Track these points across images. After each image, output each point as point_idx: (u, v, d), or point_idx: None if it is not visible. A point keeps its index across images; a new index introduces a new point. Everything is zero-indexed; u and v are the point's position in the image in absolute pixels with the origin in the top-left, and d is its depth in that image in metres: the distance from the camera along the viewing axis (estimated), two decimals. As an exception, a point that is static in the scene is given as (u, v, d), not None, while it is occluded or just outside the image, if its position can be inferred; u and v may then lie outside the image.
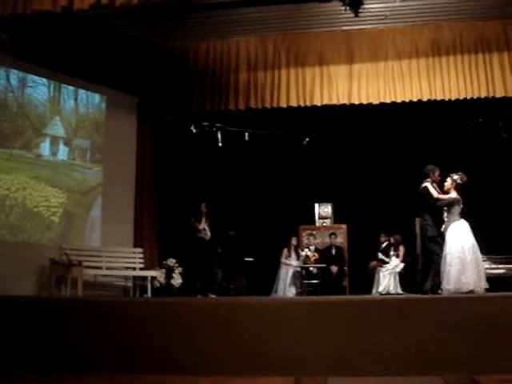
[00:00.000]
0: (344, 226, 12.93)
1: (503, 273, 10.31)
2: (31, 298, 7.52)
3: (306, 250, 12.13)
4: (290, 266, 12.09)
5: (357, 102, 11.04)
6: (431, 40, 10.79)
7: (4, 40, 9.59)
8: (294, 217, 12.78)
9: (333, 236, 12.54)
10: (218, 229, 11.67)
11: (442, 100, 10.81)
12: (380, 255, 11.60)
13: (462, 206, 8.35)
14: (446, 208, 8.37)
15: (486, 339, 4.79)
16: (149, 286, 10.78)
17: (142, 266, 11.08)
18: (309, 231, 12.86)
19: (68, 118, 10.99)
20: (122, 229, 11.30)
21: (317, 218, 13.29)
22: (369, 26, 10.81)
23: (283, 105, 11.22)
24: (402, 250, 11.56)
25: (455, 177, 8.42)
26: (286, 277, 12.02)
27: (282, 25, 10.86)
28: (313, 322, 5.11)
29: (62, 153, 10.85)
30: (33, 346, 5.37)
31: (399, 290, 11.14)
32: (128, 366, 5.15)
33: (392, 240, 11.67)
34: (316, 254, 12.02)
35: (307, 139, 12.91)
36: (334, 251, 12.35)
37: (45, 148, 10.60)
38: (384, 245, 11.79)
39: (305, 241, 12.68)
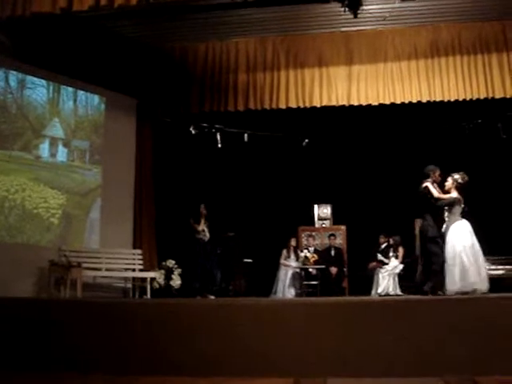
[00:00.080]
0: (343, 227, 12.93)
1: (502, 274, 10.31)
2: (30, 300, 7.53)
3: (306, 251, 12.12)
4: (289, 267, 12.08)
5: (356, 104, 11.05)
6: (430, 41, 10.80)
7: (3, 41, 9.59)
8: (293, 218, 12.78)
9: (332, 237, 12.53)
10: (217, 230, 11.67)
11: (442, 101, 10.82)
12: (379, 256, 11.59)
13: (463, 205, 8.34)
14: (446, 208, 8.36)
15: (485, 340, 4.80)
16: (148, 287, 10.77)
17: (141, 267, 11.08)
18: (308, 232, 12.85)
19: (67, 119, 10.99)
20: (122, 230, 11.29)
21: (316, 219, 13.29)
22: (368, 27, 10.82)
23: (282, 106, 11.23)
24: (401, 251, 11.54)
25: (456, 176, 8.41)
26: (286, 278, 12.01)
27: (281, 26, 10.87)
28: (312, 323, 5.11)
29: (61, 154, 10.85)
30: (32, 348, 5.37)
31: (398, 291, 11.12)
32: (127, 367, 5.15)
33: (391, 241, 11.66)
34: (315, 255, 12.01)
35: (306, 140, 12.93)
36: (333, 252, 12.34)
37: (44, 149, 10.60)
38: (383, 246, 11.78)
39: (304, 242, 12.67)
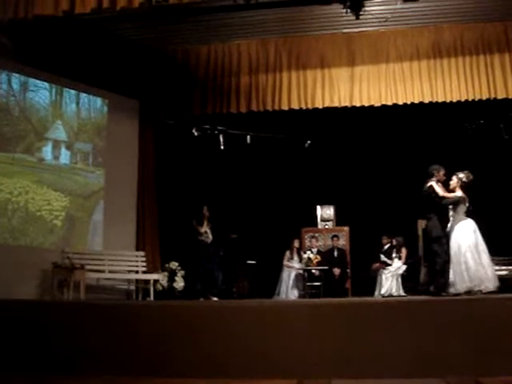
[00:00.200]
0: (346, 229, 12.92)
1: (506, 274, 10.29)
2: (34, 302, 7.53)
3: (309, 252, 12.10)
4: (292, 268, 12.07)
5: (358, 105, 11.05)
6: (432, 42, 10.79)
7: (5, 44, 9.61)
8: (296, 219, 12.77)
9: (335, 238, 12.52)
10: (221, 232, 11.66)
11: (444, 102, 10.81)
12: (382, 257, 11.57)
13: (467, 204, 8.33)
14: (451, 207, 8.36)
15: (488, 341, 4.79)
16: (151, 289, 10.79)
17: (144, 269, 11.09)
18: (311, 234, 12.83)
19: (70, 121, 11.01)
20: (125, 232, 11.30)
21: (319, 220, 13.28)
22: (370, 29, 10.82)
23: (285, 107, 11.23)
24: (404, 252, 11.52)
25: (461, 175, 8.41)
26: (289, 279, 11.99)
27: (283, 28, 10.87)
28: (315, 325, 5.11)
29: (64, 157, 10.87)
30: (36, 349, 5.38)
31: (401, 292, 11.11)
32: (131, 369, 5.15)
33: (394, 242, 11.64)
34: (318, 257, 12.00)
35: (309, 142, 12.92)
36: (336, 253, 12.33)
37: (47, 152, 10.61)
38: (386, 247, 11.76)
39: (307, 243, 12.65)
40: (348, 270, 12.26)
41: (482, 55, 10.67)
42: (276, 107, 11.26)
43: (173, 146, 12.23)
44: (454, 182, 8.43)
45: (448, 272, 8.07)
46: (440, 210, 8.34)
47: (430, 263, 8.61)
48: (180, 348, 5.19)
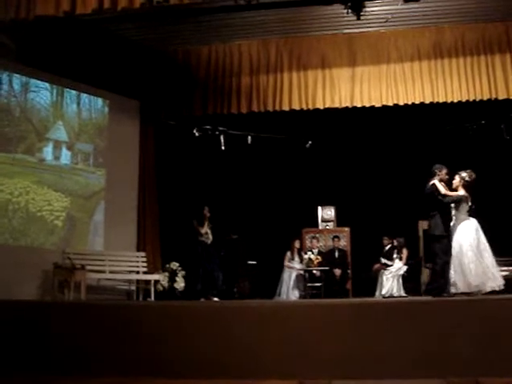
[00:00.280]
0: (347, 229, 12.92)
1: (506, 275, 10.27)
2: (34, 302, 7.53)
3: (309, 253, 12.10)
4: (293, 269, 12.07)
5: (359, 105, 11.05)
6: (433, 42, 10.79)
7: (7, 44, 9.61)
8: (297, 220, 12.77)
9: (336, 239, 12.52)
10: (221, 232, 11.67)
11: (445, 102, 10.81)
12: (383, 260, 11.54)
13: (470, 203, 8.33)
14: (453, 206, 8.35)
15: (489, 342, 4.79)
16: (152, 289, 10.79)
17: (145, 269, 11.10)
18: (312, 234, 12.84)
19: (71, 122, 11.01)
20: (125, 232, 11.31)
21: (320, 221, 13.28)
22: (371, 29, 10.82)
23: (286, 108, 11.24)
24: (405, 252, 11.52)
25: (463, 174, 8.42)
26: (290, 280, 12.00)
27: (284, 28, 10.87)
28: (316, 325, 5.11)
29: (65, 157, 10.87)
30: (36, 350, 5.38)
31: (402, 293, 11.11)
32: (131, 369, 5.15)
33: (395, 243, 11.64)
34: (319, 257, 11.99)
35: (310, 142, 12.92)
36: (337, 254, 12.33)
37: (48, 152, 10.62)
38: (387, 248, 11.76)
39: (308, 244, 12.66)
40: (349, 271, 12.26)
41: (483, 55, 10.67)
42: (277, 108, 11.26)
43: (174, 146, 12.23)
44: (456, 181, 8.44)
45: (448, 272, 8.06)
46: (443, 209, 8.33)
47: (432, 263, 8.61)
48: (181, 348, 5.19)
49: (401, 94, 10.89)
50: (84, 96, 11.19)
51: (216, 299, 10.32)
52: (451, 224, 8.32)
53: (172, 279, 11.22)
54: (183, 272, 11.29)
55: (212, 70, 11.47)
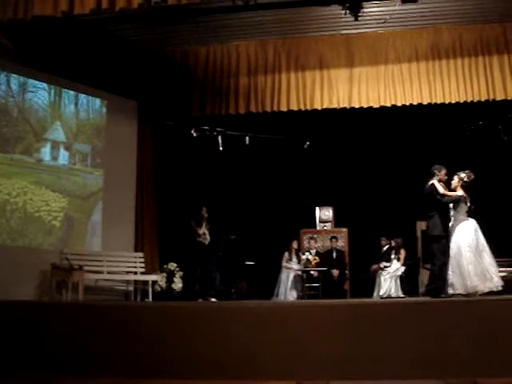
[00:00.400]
0: (345, 230, 12.91)
1: (504, 276, 10.28)
2: (32, 303, 7.52)
3: (307, 253, 12.09)
4: (291, 269, 12.07)
5: (357, 106, 11.06)
6: (431, 43, 10.81)
7: (5, 44, 9.60)
8: (294, 220, 12.76)
9: (334, 239, 12.52)
10: (219, 233, 11.67)
11: (442, 103, 10.83)
12: (382, 264, 11.51)
13: (468, 204, 8.33)
14: (452, 206, 8.37)
15: (487, 343, 4.79)
16: (150, 290, 10.79)
17: (142, 270, 11.09)
18: (310, 235, 12.83)
19: (68, 122, 11.00)
20: (123, 233, 11.31)
21: (317, 221, 13.27)
22: (368, 30, 10.83)
23: (283, 108, 11.24)
24: (402, 253, 11.52)
25: (462, 175, 8.43)
26: (287, 280, 11.99)
27: (282, 29, 10.88)
28: (314, 326, 5.11)
29: (63, 157, 10.86)
30: (34, 350, 5.37)
31: (400, 294, 11.11)
32: (129, 369, 5.15)
33: (393, 243, 11.65)
34: (317, 258, 11.98)
35: (308, 143, 12.92)
36: (334, 255, 12.33)
37: (45, 153, 10.61)
38: (385, 248, 11.76)
39: (306, 244, 12.64)
40: (347, 272, 12.26)
41: (480, 57, 10.69)
42: (275, 108, 11.27)
43: (171, 147, 12.23)
44: (455, 181, 8.45)
45: (446, 273, 8.07)
46: (441, 210, 8.35)
47: (431, 264, 8.62)
48: (178, 349, 5.19)
49: (399, 95, 10.90)
50: (82, 96, 11.18)
51: (214, 300, 10.32)
52: (450, 224, 8.32)
53: (170, 280, 11.21)
54: (181, 273, 11.28)
55: (210, 71, 11.47)
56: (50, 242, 10.38)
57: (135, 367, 5.16)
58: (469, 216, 8.29)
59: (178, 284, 11.19)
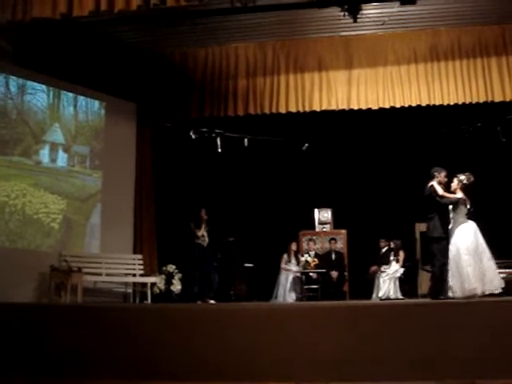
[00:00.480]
0: (344, 232, 12.91)
1: (504, 277, 10.28)
2: (31, 305, 7.52)
3: (306, 255, 12.10)
4: (289, 271, 12.07)
5: (356, 108, 11.07)
6: (430, 45, 10.81)
7: (4, 47, 9.60)
8: (293, 222, 12.76)
9: (333, 241, 12.51)
10: (218, 235, 11.67)
11: (441, 105, 10.84)
12: (383, 268, 11.49)
13: (468, 206, 8.33)
14: (451, 208, 8.37)
15: (486, 344, 4.79)
16: (149, 292, 10.77)
17: (141, 272, 11.08)
18: (309, 236, 12.83)
19: (67, 124, 11.00)
20: (122, 235, 11.30)
21: (316, 223, 13.27)
22: (367, 32, 10.83)
23: (282, 110, 11.25)
24: (401, 254, 11.52)
25: (461, 177, 8.44)
26: (286, 282, 11.99)
27: (281, 31, 10.88)
28: (313, 328, 5.11)
29: (62, 159, 10.86)
30: (33, 352, 5.37)
31: (399, 295, 11.11)
32: (128, 371, 5.14)
33: (392, 245, 11.65)
34: (316, 260, 11.99)
35: (306, 144, 12.90)
36: (333, 256, 12.33)
37: (44, 155, 10.60)
38: (384, 250, 11.77)
39: (305, 246, 12.65)
40: (346, 273, 12.26)
41: (479, 58, 10.70)
42: (274, 110, 11.27)
43: (170, 148, 12.22)
44: (454, 183, 8.46)
45: (446, 275, 8.07)
46: (441, 211, 8.36)
47: (431, 266, 8.63)
48: (177, 351, 5.19)
49: (397, 97, 10.91)
50: (81, 98, 11.18)
51: (212, 302, 10.31)
52: (449, 227, 8.33)
53: (169, 282, 11.19)
54: (180, 274, 11.26)
55: (209, 73, 11.47)
56: (48, 244, 10.37)
57: (134, 369, 5.16)
58: (468, 218, 8.29)
59: (176, 286, 11.17)
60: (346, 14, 9.36)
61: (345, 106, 11.07)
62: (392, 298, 10.98)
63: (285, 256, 12.22)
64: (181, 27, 10.60)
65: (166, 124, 12.03)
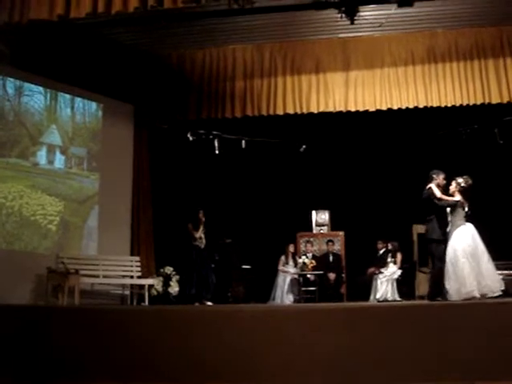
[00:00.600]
0: (341, 233, 12.91)
1: (502, 279, 10.28)
2: (28, 307, 7.50)
3: (304, 257, 12.10)
4: (287, 273, 12.07)
5: (353, 109, 11.07)
6: (427, 47, 10.83)
7: (0, 49, 9.58)
8: (291, 224, 12.75)
9: (330, 243, 12.52)
10: (215, 236, 11.65)
11: (438, 107, 10.84)
12: (380, 270, 11.48)
13: (466, 209, 8.34)
14: (449, 210, 8.38)
15: (484, 345, 4.79)
16: (146, 294, 10.75)
17: (139, 274, 11.06)
18: (306, 238, 12.83)
19: (64, 126, 10.99)
20: (119, 237, 11.29)
21: (314, 225, 13.26)
22: (365, 34, 10.84)
23: (280, 112, 11.24)
24: (399, 256, 11.53)
25: (459, 180, 8.46)
26: (284, 284, 11.99)
27: (278, 32, 10.88)
28: (310, 329, 5.10)
29: (59, 161, 10.84)
30: (29, 355, 5.35)
31: (397, 297, 11.11)
32: (125, 374, 5.13)
33: (389, 247, 11.65)
34: (313, 261, 11.99)
35: (304, 146, 12.91)
36: (331, 258, 12.33)
37: (41, 156, 10.59)
38: (381, 251, 11.77)
39: (302, 248, 12.65)
40: (343, 275, 12.26)
41: (476, 60, 10.71)
42: (271, 112, 11.27)
43: (168, 150, 12.22)
44: (452, 186, 8.48)
45: (443, 277, 8.07)
46: (440, 213, 8.37)
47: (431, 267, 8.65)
48: (174, 353, 5.18)
49: (395, 99, 10.91)
50: (78, 100, 11.17)
51: (210, 303, 10.30)
52: (447, 229, 8.33)
53: (166, 284, 11.19)
54: (177, 276, 11.26)
55: (206, 74, 11.47)
56: (45, 245, 10.35)
57: (131, 371, 5.15)
58: (467, 221, 8.30)
59: (174, 288, 11.17)
60: (344, 15, 9.38)
61: (342, 108, 11.08)
62: (389, 299, 10.98)
63: (282, 258, 12.22)
64: (178, 29, 10.62)
65: (164, 126, 12.02)
